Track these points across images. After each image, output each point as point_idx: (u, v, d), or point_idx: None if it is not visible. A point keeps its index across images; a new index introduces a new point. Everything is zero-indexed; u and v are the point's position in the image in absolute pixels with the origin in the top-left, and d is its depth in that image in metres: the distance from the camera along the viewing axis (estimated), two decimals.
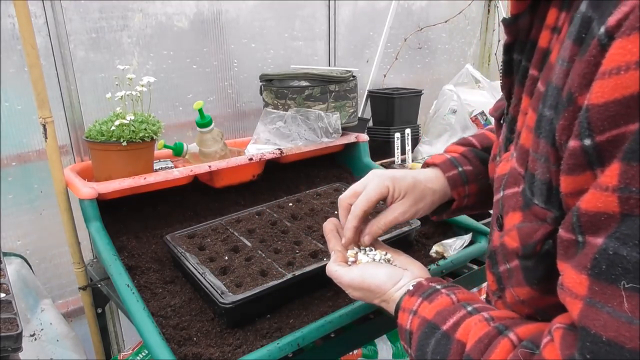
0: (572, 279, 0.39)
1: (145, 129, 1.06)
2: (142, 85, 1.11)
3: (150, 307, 0.83)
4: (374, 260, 0.73)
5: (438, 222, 1.17)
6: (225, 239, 0.98)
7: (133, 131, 1.05)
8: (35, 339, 1.04)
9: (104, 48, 1.34)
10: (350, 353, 1.39)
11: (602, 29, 0.36)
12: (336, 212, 1.09)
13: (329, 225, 0.83)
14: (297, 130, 1.32)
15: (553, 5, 0.49)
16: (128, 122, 1.04)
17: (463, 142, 0.84)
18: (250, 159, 1.21)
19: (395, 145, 1.79)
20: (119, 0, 1.34)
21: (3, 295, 0.73)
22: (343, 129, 1.40)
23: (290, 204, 1.13)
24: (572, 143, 0.39)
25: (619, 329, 0.35)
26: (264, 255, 0.91)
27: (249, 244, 0.95)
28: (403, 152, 1.82)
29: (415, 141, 1.95)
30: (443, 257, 1.02)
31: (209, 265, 0.88)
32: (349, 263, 0.73)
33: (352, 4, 1.89)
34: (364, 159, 1.42)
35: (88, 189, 1.00)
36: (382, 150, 1.86)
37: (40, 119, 1.01)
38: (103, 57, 1.35)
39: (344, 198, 0.77)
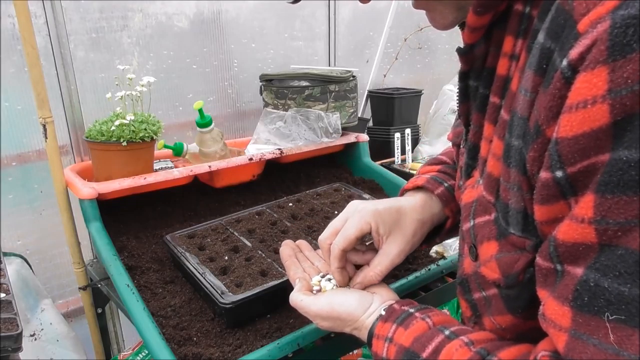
0: (554, 310, 0.39)
1: (145, 129, 1.06)
2: (142, 85, 1.11)
3: (150, 307, 0.83)
4: (337, 285, 0.69)
5: None
6: (225, 239, 0.98)
7: (133, 131, 1.05)
8: (35, 339, 1.04)
9: (104, 48, 1.34)
10: (350, 353, 1.39)
11: (565, 62, 0.36)
12: (336, 212, 1.09)
13: (286, 251, 0.79)
14: (297, 130, 1.32)
15: (508, 33, 0.49)
16: (128, 122, 1.04)
17: (434, 162, 0.81)
18: (250, 159, 1.21)
19: (395, 145, 1.80)
20: (119, 0, 1.34)
21: (3, 295, 0.73)
22: (343, 129, 1.40)
23: (290, 204, 1.13)
24: (544, 174, 0.39)
25: None
26: (264, 255, 0.91)
27: (249, 244, 0.95)
28: (403, 152, 1.82)
29: (415, 141, 1.95)
30: (443, 257, 1.02)
31: (209, 265, 0.88)
32: (314, 291, 0.70)
33: (352, 4, 1.89)
34: (364, 159, 1.42)
35: (88, 189, 1.00)
36: (382, 150, 1.86)
37: (40, 119, 1.01)
38: (103, 57, 1.35)
39: (323, 239, 0.70)
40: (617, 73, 0.33)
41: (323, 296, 0.67)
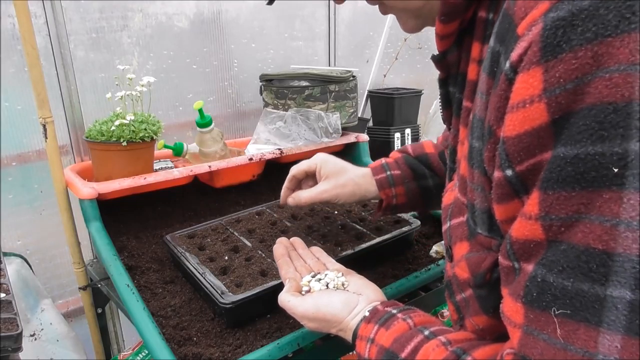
0: (509, 307, 0.40)
1: (145, 129, 1.06)
2: (142, 85, 1.11)
3: (150, 307, 0.83)
4: (327, 286, 0.70)
5: (438, 222, 1.17)
6: (225, 239, 0.98)
7: (133, 131, 1.05)
8: (35, 339, 1.04)
9: (104, 48, 1.34)
10: (350, 353, 1.39)
11: (507, 64, 0.37)
12: (336, 212, 1.09)
13: (279, 250, 0.82)
14: (297, 130, 1.32)
15: (475, 39, 0.50)
16: (128, 122, 1.04)
17: (401, 150, 0.94)
18: (250, 159, 1.21)
19: (395, 145, 1.80)
20: (119, 0, 1.34)
21: (3, 295, 0.73)
22: (343, 129, 1.40)
23: None
24: (496, 174, 0.40)
25: (556, 356, 0.35)
26: (264, 255, 0.91)
27: (249, 244, 0.95)
28: None
29: (415, 141, 1.95)
30: (443, 257, 1.02)
31: (209, 265, 0.88)
32: (303, 292, 0.71)
33: (352, 4, 1.89)
34: (364, 159, 1.42)
35: (88, 189, 1.00)
36: (382, 150, 1.86)
37: (40, 119, 1.01)
38: (103, 57, 1.35)
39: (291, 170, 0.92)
40: (550, 73, 0.34)
41: (310, 297, 0.68)
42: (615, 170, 0.32)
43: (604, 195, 0.33)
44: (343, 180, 0.88)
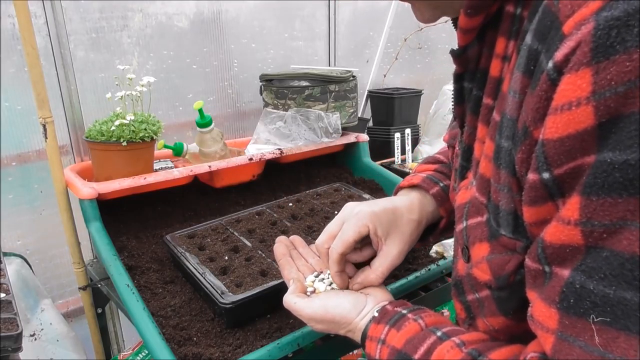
0: (541, 312, 0.39)
1: (145, 129, 1.06)
2: (142, 85, 1.11)
3: (150, 307, 0.83)
4: (331, 286, 0.69)
5: None
6: (225, 239, 0.98)
7: (133, 131, 1.05)
8: (35, 339, 1.04)
9: (104, 48, 1.34)
10: (350, 353, 1.39)
11: (551, 64, 0.36)
12: (336, 212, 1.09)
13: (280, 249, 0.79)
14: (297, 130, 1.32)
15: (501, 34, 0.49)
16: (128, 122, 1.04)
17: (431, 160, 0.82)
18: (250, 159, 1.21)
19: (395, 145, 1.80)
20: (119, 0, 1.34)
21: (3, 295, 0.73)
22: (343, 129, 1.40)
23: (290, 204, 1.13)
24: (531, 176, 0.38)
25: None
26: (264, 255, 0.91)
27: (249, 244, 0.95)
28: (403, 152, 1.82)
29: (415, 141, 1.95)
30: (443, 257, 1.02)
31: (209, 265, 0.88)
32: (308, 293, 0.69)
33: (352, 4, 1.89)
34: (364, 159, 1.42)
35: (88, 189, 1.00)
36: (382, 150, 1.86)
37: (40, 119, 1.01)
38: (103, 57, 1.35)
39: (320, 243, 0.70)
40: (601, 75, 0.32)
41: (317, 299, 0.67)
42: None
43: None
44: (406, 229, 0.69)
